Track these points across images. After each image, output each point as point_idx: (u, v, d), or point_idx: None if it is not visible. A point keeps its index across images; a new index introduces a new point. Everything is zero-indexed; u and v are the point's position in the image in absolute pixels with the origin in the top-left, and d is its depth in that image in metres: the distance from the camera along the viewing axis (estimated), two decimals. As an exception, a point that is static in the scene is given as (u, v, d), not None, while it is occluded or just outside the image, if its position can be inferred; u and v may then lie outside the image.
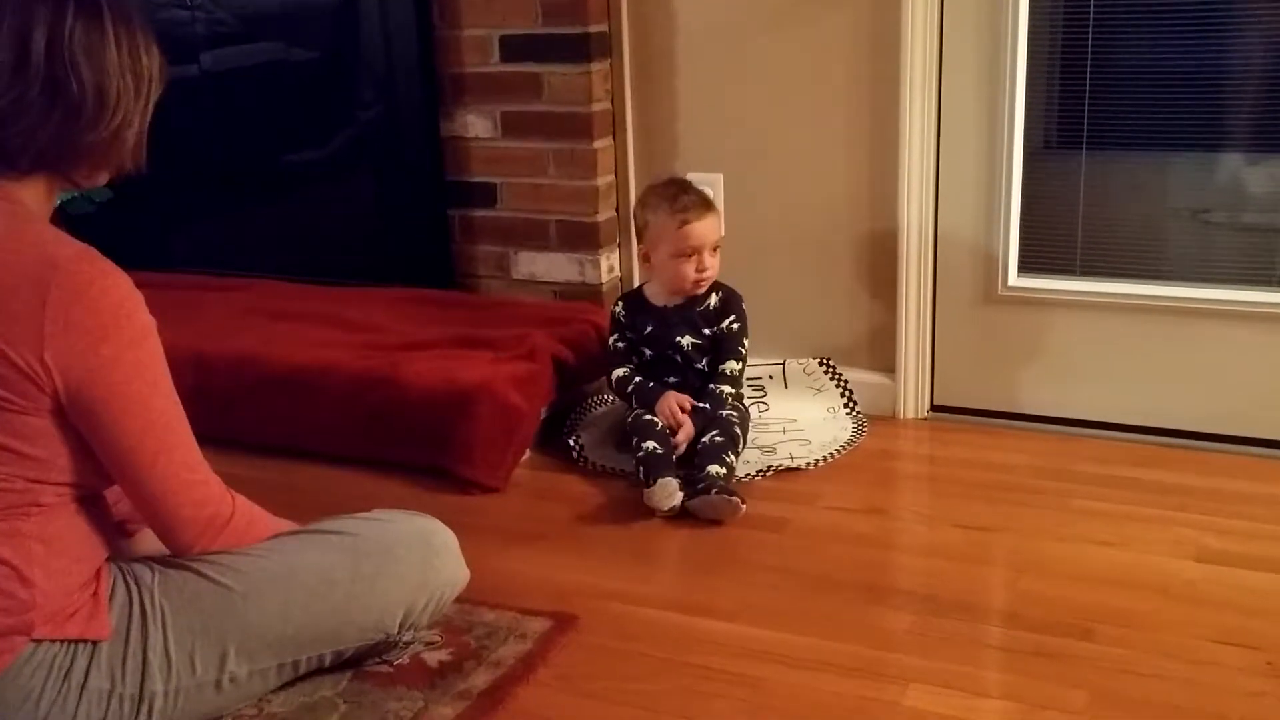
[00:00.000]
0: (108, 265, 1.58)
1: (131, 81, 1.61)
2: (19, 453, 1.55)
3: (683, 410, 2.57)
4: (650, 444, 2.50)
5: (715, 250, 2.60)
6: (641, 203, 2.67)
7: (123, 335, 1.56)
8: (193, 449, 1.67)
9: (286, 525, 1.84)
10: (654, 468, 2.44)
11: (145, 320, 1.59)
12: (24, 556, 1.57)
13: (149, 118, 1.66)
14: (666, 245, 2.59)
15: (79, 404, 1.55)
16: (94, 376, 1.54)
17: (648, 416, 2.58)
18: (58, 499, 1.60)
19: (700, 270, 2.59)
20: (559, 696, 1.83)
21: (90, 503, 1.66)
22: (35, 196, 1.62)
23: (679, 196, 2.60)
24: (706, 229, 2.58)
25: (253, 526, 1.77)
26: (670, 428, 2.56)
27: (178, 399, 1.65)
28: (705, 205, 2.60)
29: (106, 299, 1.55)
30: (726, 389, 2.62)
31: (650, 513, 2.41)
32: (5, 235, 1.55)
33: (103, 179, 1.68)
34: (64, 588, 1.59)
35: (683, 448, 2.55)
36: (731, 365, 2.65)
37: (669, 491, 2.37)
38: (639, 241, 2.68)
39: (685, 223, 2.57)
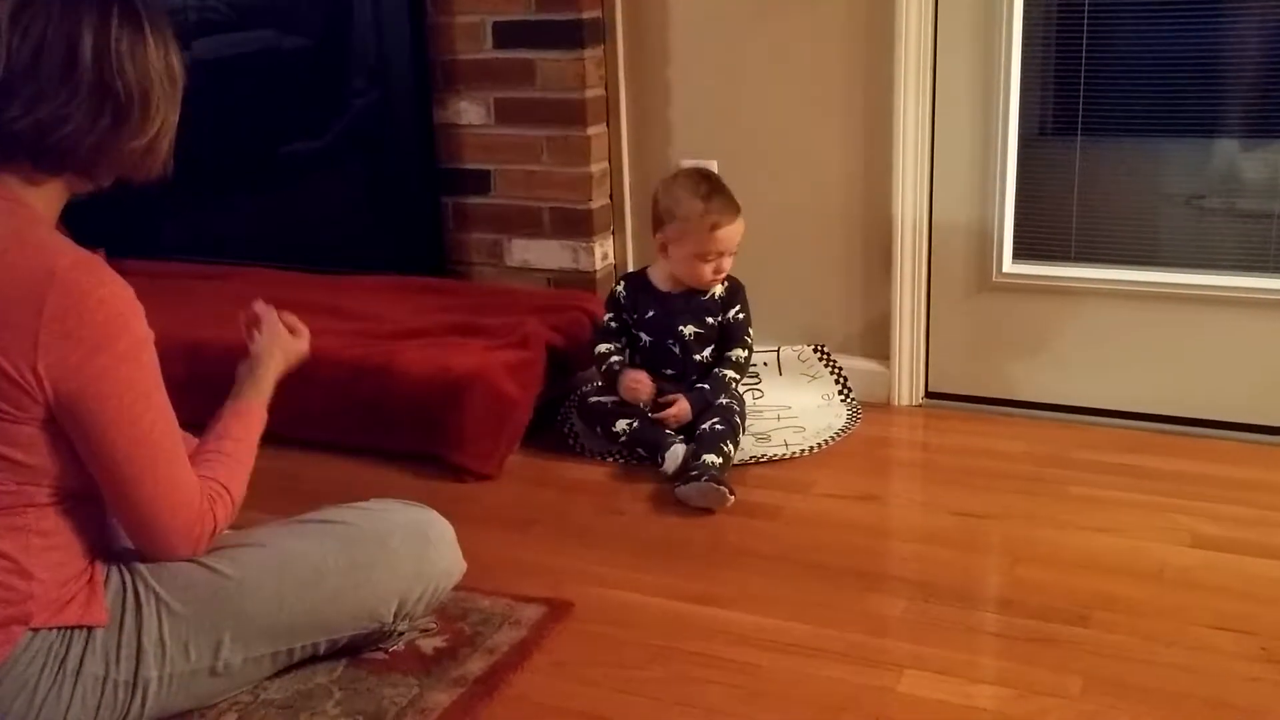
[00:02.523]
0: (107, 275, 1.55)
1: (169, 87, 1.61)
2: (12, 459, 1.53)
3: (647, 389, 2.59)
4: (623, 423, 2.56)
5: (734, 252, 2.61)
6: (668, 191, 2.60)
7: (117, 347, 1.54)
8: (181, 464, 1.63)
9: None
10: (650, 442, 2.53)
11: (141, 332, 1.57)
12: (23, 549, 1.56)
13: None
14: (691, 244, 2.55)
15: (69, 414, 1.53)
16: (86, 389, 1.52)
17: (595, 400, 2.63)
18: (52, 498, 1.59)
19: (717, 272, 2.59)
20: (554, 683, 1.83)
21: (86, 497, 1.64)
22: (47, 200, 1.59)
23: (713, 196, 2.56)
24: (734, 234, 2.57)
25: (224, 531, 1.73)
26: (639, 402, 2.58)
27: (171, 413, 1.62)
28: (736, 209, 2.57)
29: (103, 310, 1.52)
30: (730, 373, 2.62)
31: (644, 499, 2.42)
32: (5, 242, 1.52)
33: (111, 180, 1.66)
34: (61, 578, 1.59)
35: (671, 426, 2.57)
36: (738, 352, 2.65)
37: (678, 457, 2.48)
38: (657, 228, 2.61)
39: (716, 226, 2.54)
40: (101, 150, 1.57)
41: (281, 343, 1.94)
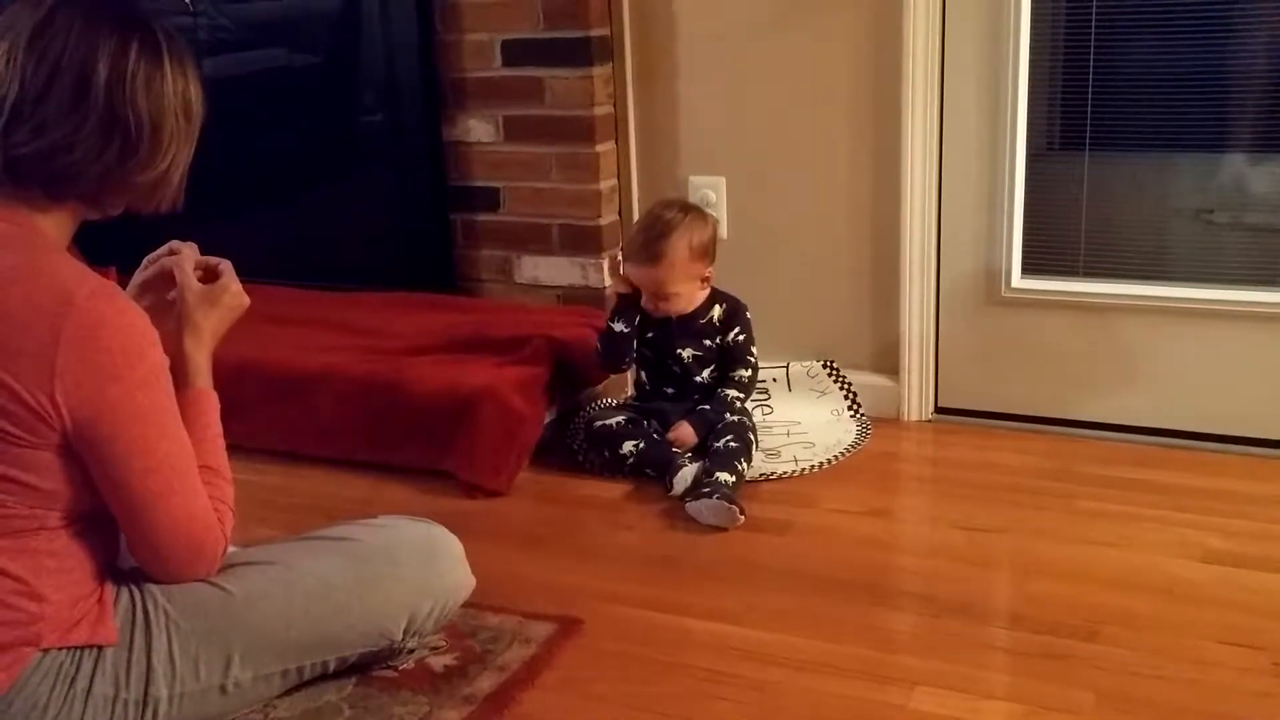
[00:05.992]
0: (123, 302, 1.56)
1: (184, 122, 1.60)
2: (26, 484, 1.53)
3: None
4: (629, 444, 2.55)
5: (669, 296, 2.59)
6: None
7: (134, 375, 1.54)
8: (195, 490, 1.63)
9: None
10: (659, 462, 2.51)
11: (157, 360, 1.57)
12: (34, 571, 1.56)
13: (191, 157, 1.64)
14: None
15: (85, 442, 1.53)
16: (101, 416, 1.52)
17: (601, 424, 2.62)
18: (64, 521, 1.59)
19: (649, 302, 2.61)
20: (564, 700, 1.83)
21: (98, 519, 1.64)
22: (58, 225, 1.59)
23: (645, 232, 2.57)
24: (645, 277, 2.58)
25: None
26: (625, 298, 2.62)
27: (185, 439, 1.63)
28: (652, 258, 2.55)
29: (119, 339, 1.53)
30: (733, 393, 2.62)
31: (654, 515, 2.42)
32: (22, 270, 1.52)
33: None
34: (72, 598, 1.59)
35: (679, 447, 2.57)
36: (741, 372, 2.65)
37: (687, 479, 2.45)
38: None
39: (625, 259, 2.62)
40: (108, 180, 1.56)
41: (213, 297, 1.84)
